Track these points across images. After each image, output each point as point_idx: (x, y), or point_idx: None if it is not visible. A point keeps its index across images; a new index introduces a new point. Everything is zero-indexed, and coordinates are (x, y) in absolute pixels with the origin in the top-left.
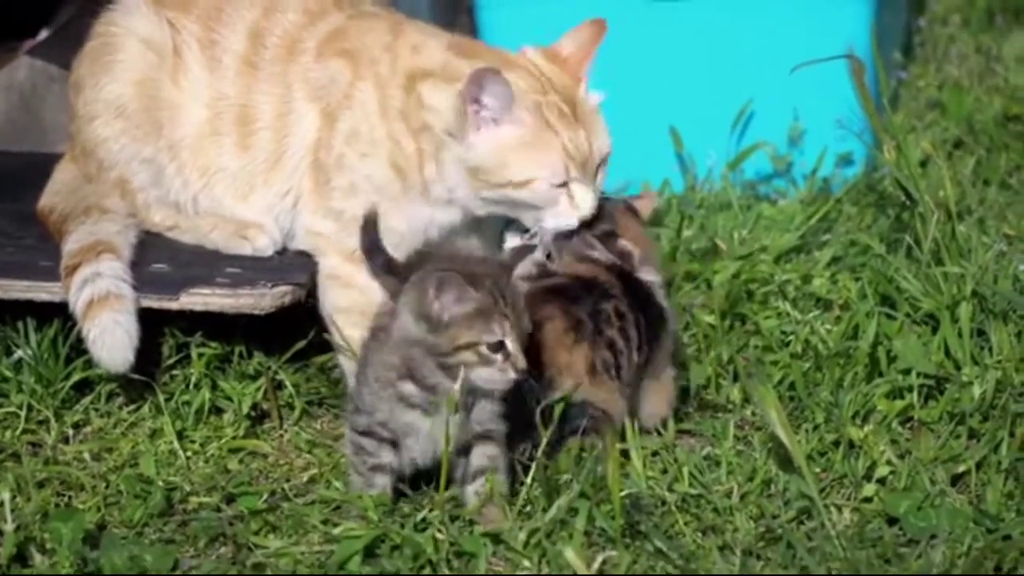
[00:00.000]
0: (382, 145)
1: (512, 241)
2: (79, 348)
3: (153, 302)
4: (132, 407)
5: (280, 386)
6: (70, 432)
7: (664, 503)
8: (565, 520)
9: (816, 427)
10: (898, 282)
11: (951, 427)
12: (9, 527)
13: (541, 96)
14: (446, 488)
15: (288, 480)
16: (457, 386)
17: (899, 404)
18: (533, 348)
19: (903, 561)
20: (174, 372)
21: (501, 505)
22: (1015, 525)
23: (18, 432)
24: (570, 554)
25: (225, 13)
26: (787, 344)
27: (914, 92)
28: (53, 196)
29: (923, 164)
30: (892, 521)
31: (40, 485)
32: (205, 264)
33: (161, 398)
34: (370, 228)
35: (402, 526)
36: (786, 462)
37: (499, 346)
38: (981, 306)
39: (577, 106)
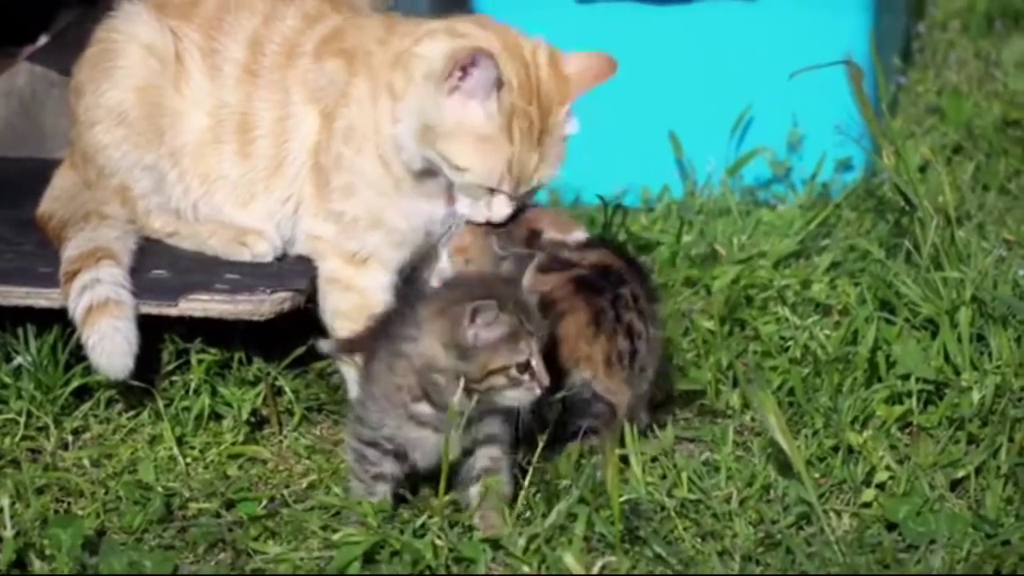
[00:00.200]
0: (369, 136)
1: (445, 258)
2: (78, 354)
3: (152, 308)
4: (131, 413)
5: (279, 392)
6: (69, 438)
7: (663, 508)
8: (564, 525)
9: (815, 432)
10: (897, 287)
11: (950, 432)
12: (8, 533)
13: (522, 103)
14: (446, 492)
15: (287, 486)
16: (456, 398)
17: (898, 409)
18: (553, 340)
19: (902, 566)
20: (173, 378)
21: (500, 509)
22: (1014, 530)
23: (17, 438)
24: (569, 559)
25: (226, 22)
26: (786, 349)
27: (913, 97)
28: (52, 202)
29: (922, 169)
30: (891, 526)
31: (39, 491)
32: (204, 270)
33: (160, 404)
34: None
35: (401, 532)
36: (785, 467)
37: (526, 366)
38: (980, 311)
39: (547, 128)
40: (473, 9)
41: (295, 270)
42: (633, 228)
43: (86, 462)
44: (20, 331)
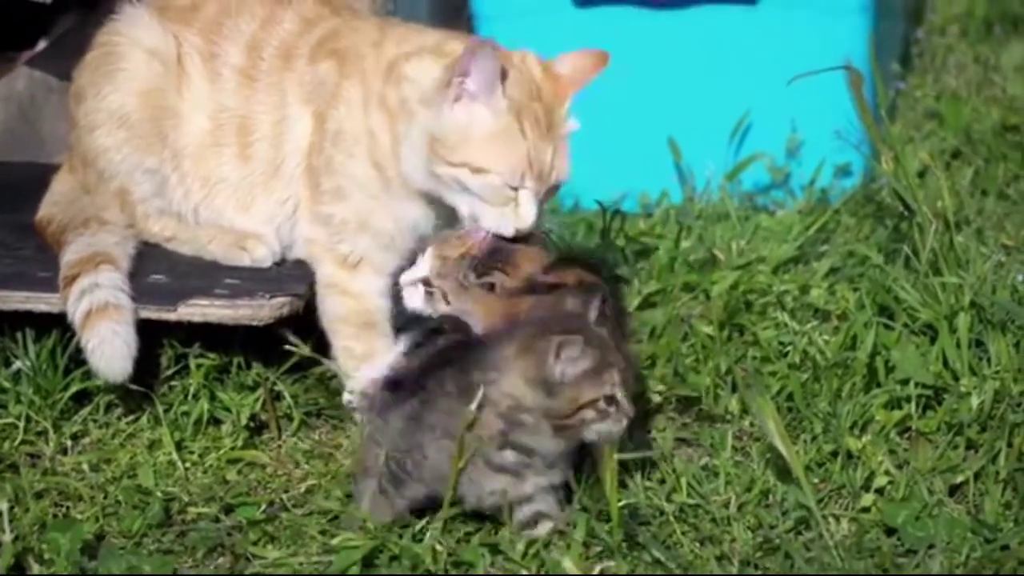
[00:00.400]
0: (362, 141)
1: (408, 287)
2: (78, 359)
3: (152, 313)
4: (131, 418)
5: (278, 397)
6: (68, 443)
7: (662, 513)
8: (563, 530)
9: (814, 437)
10: (896, 292)
11: (949, 437)
12: (7, 538)
13: (527, 99)
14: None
15: (286, 491)
16: (474, 406)
17: (897, 414)
18: None
19: (901, 571)
20: (173, 383)
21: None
22: (1013, 535)
23: (16, 443)
24: (568, 564)
25: (226, 26)
26: (785, 355)
27: (912, 103)
28: (51, 207)
29: (921, 175)
30: (890, 531)
31: (38, 496)
32: (203, 275)
33: (160, 409)
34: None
35: (400, 536)
36: (784, 472)
37: (612, 398)
38: (979, 316)
39: (553, 124)
40: (473, 13)
41: (294, 275)
42: (632, 233)
43: (85, 467)
44: (19, 335)
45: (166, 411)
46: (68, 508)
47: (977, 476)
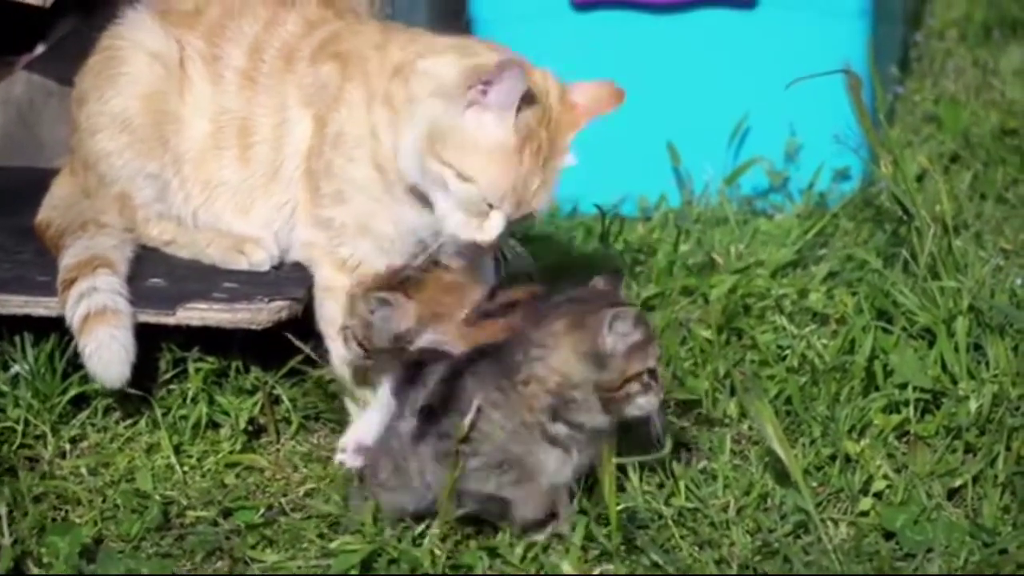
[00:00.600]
0: (363, 143)
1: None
2: (76, 363)
3: (150, 317)
4: (129, 422)
5: (277, 400)
6: (67, 447)
7: (661, 517)
8: (562, 534)
9: (812, 441)
10: (894, 296)
11: (947, 441)
12: (6, 541)
13: (536, 125)
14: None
15: (285, 494)
16: (473, 410)
17: (895, 418)
18: None
19: (900, 575)
20: (171, 387)
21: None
22: (1011, 539)
23: (15, 447)
24: (567, 568)
25: (229, 29)
26: (783, 358)
27: (911, 106)
28: (50, 211)
29: (920, 178)
30: (888, 535)
31: (37, 500)
32: (202, 279)
33: (158, 412)
34: None
35: (399, 540)
36: (783, 476)
37: (654, 371)
38: (978, 320)
39: (553, 155)
40: (472, 16)
41: (292, 279)
42: (630, 237)
43: (84, 470)
44: (18, 339)
45: (164, 415)
46: (67, 512)
47: (975, 480)
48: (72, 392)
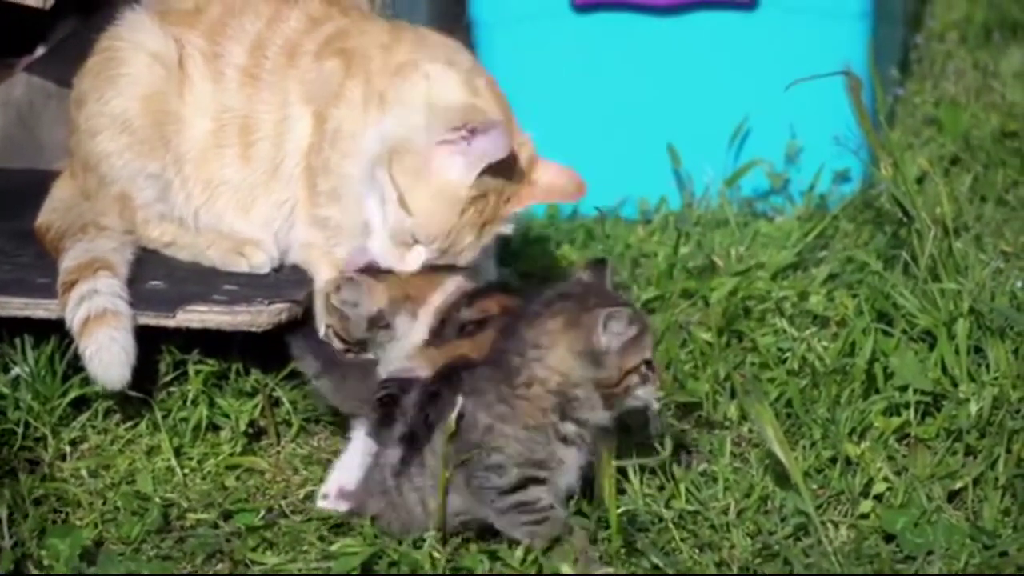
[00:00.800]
0: (359, 141)
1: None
2: (76, 365)
3: (150, 319)
4: (129, 424)
5: (277, 403)
6: (67, 449)
7: (661, 519)
8: (562, 537)
9: (813, 444)
10: (895, 299)
11: (948, 444)
12: (6, 543)
13: (491, 189)
14: None
15: (285, 497)
16: (455, 414)
17: (896, 421)
18: None
19: None
20: (171, 389)
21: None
22: (1011, 541)
23: (15, 449)
24: (567, 571)
25: (230, 27)
26: (784, 361)
27: (911, 109)
28: (50, 213)
29: (920, 181)
30: (889, 538)
31: (37, 502)
32: (202, 281)
33: (158, 415)
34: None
35: (399, 542)
36: (783, 479)
37: (650, 362)
38: (978, 323)
39: (494, 220)
40: (472, 19)
41: (292, 281)
42: (630, 240)
43: (84, 473)
44: (18, 342)
45: (165, 417)
46: (67, 514)
47: (976, 482)
48: (72, 394)
